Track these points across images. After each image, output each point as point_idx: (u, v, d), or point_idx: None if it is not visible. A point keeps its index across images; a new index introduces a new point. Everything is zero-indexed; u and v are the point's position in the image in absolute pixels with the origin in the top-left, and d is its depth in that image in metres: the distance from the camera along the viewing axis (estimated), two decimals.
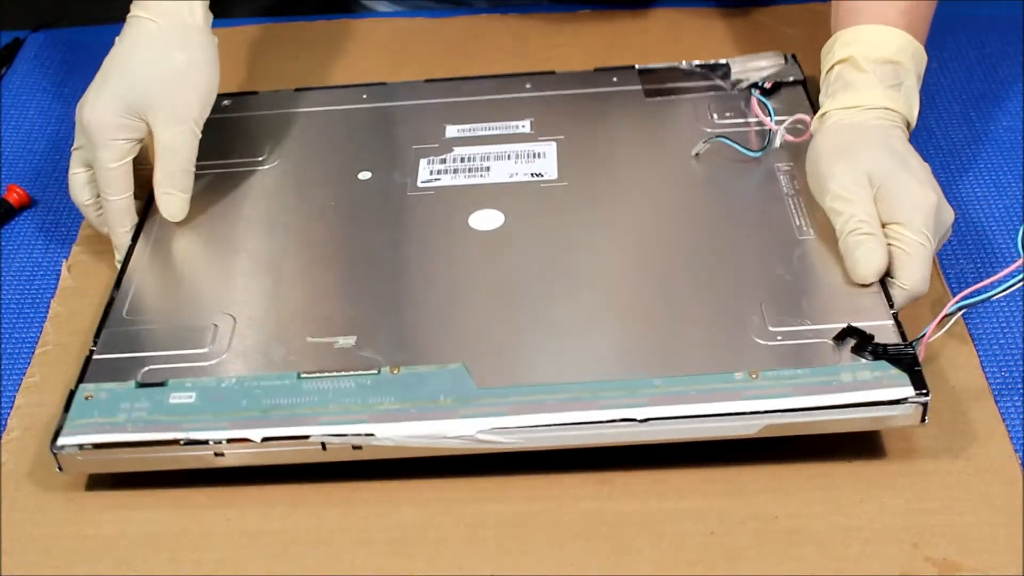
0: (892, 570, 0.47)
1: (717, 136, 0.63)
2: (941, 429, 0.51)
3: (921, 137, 0.68)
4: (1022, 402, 0.54)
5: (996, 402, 0.53)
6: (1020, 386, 0.54)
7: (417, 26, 0.81)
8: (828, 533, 0.49)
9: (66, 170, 0.61)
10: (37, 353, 0.58)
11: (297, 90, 0.73)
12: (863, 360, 0.50)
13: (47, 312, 0.60)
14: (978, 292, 0.51)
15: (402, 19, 0.82)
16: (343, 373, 0.52)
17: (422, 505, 0.51)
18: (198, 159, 0.62)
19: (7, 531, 0.51)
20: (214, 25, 0.63)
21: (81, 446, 0.50)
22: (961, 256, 0.61)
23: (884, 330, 0.51)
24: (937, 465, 0.50)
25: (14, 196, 0.66)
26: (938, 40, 0.74)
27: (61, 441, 0.50)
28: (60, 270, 0.62)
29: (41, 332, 0.59)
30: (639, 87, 0.70)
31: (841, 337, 0.51)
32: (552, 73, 0.72)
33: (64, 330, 0.59)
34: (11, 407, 0.56)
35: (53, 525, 0.51)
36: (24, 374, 0.57)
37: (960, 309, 0.52)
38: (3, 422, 0.55)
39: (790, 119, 0.62)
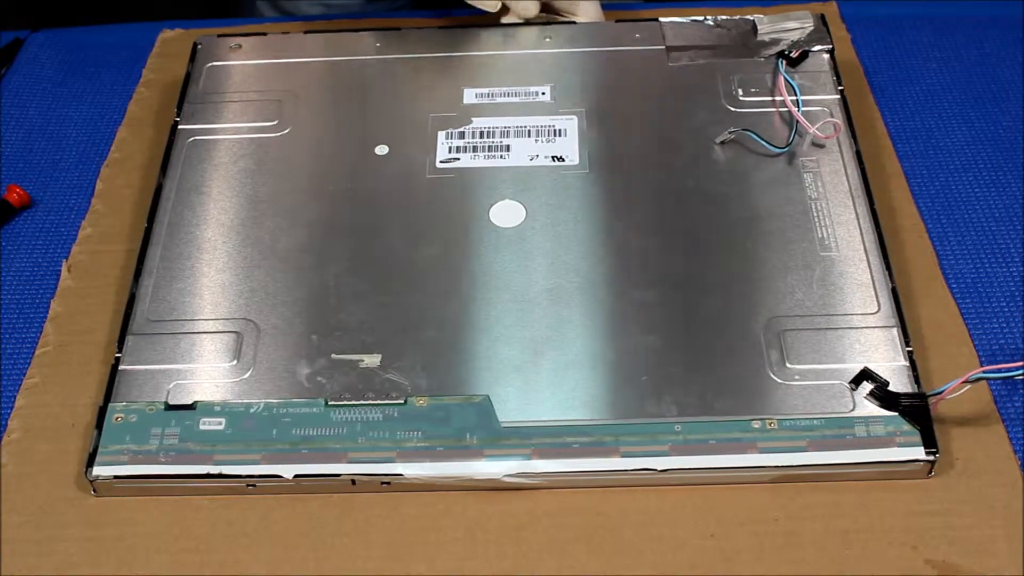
0: (892, 572, 0.47)
1: (743, 130, 0.62)
2: (940, 431, 0.51)
3: (921, 137, 0.68)
4: (1022, 403, 0.54)
5: (996, 404, 0.54)
6: (1020, 388, 0.54)
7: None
8: (827, 535, 0.49)
9: (66, 170, 0.61)
10: (37, 354, 0.58)
11: (307, 32, 0.72)
12: (877, 405, 0.51)
13: (47, 312, 0.60)
14: (1008, 370, 0.52)
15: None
16: (370, 402, 0.52)
17: (422, 506, 0.51)
18: (213, 121, 0.65)
19: (7, 533, 0.51)
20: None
21: (116, 476, 0.51)
22: (961, 256, 0.61)
23: (899, 372, 0.52)
24: (937, 468, 0.50)
25: (14, 196, 0.66)
26: (938, 40, 0.75)
27: (97, 471, 0.51)
28: (60, 270, 0.62)
29: (41, 332, 0.59)
30: (662, 47, 0.69)
31: (857, 381, 0.52)
32: (573, 23, 0.71)
33: (64, 330, 0.59)
34: (11, 408, 0.56)
35: (54, 527, 0.51)
36: (24, 375, 0.57)
37: (984, 379, 0.53)
38: (3, 423, 0.55)
39: (820, 122, 0.62)
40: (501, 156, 0.63)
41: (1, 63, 0.77)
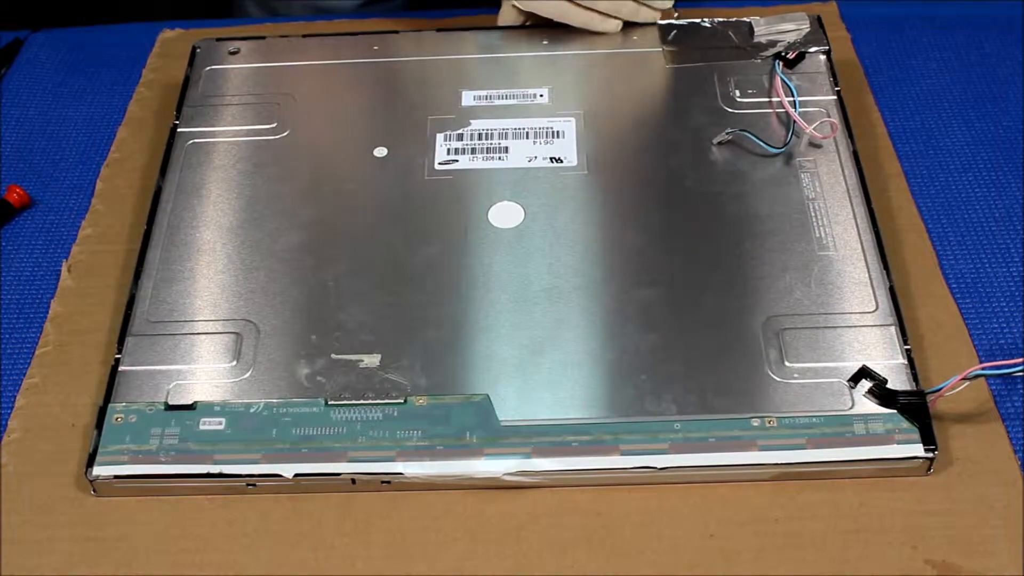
0: (892, 572, 0.47)
1: (740, 130, 0.62)
2: (940, 430, 0.51)
3: (921, 137, 0.68)
4: (1022, 402, 0.54)
5: (996, 403, 0.54)
6: (1020, 386, 0.54)
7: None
8: (827, 535, 0.49)
9: (66, 170, 0.61)
10: (37, 354, 0.58)
11: (305, 36, 0.72)
12: (876, 403, 0.51)
13: (47, 312, 0.60)
14: (1007, 367, 0.52)
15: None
16: (370, 402, 0.52)
17: (422, 506, 0.51)
18: (212, 124, 0.65)
19: (7, 533, 0.51)
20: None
21: (116, 476, 0.51)
22: (961, 257, 0.61)
23: (897, 370, 0.52)
24: (936, 467, 0.51)
25: (14, 196, 0.66)
26: (938, 40, 0.75)
27: (97, 471, 0.51)
28: (60, 270, 0.62)
29: (41, 332, 0.59)
30: (659, 48, 0.69)
31: (856, 379, 0.52)
32: (569, 27, 0.71)
33: (64, 330, 0.59)
34: (11, 408, 0.56)
35: (54, 527, 0.51)
36: (24, 375, 0.57)
37: (982, 376, 0.53)
38: (3, 423, 0.55)
39: (817, 122, 0.62)
40: (499, 158, 0.63)
41: (1, 63, 0.77)
